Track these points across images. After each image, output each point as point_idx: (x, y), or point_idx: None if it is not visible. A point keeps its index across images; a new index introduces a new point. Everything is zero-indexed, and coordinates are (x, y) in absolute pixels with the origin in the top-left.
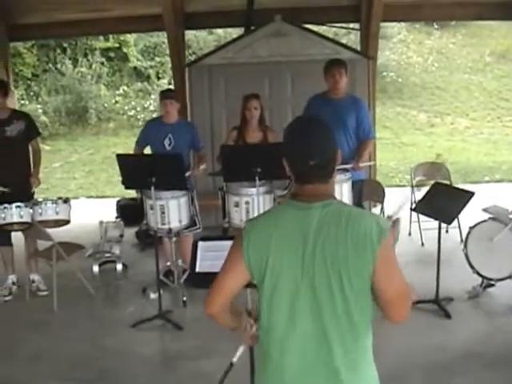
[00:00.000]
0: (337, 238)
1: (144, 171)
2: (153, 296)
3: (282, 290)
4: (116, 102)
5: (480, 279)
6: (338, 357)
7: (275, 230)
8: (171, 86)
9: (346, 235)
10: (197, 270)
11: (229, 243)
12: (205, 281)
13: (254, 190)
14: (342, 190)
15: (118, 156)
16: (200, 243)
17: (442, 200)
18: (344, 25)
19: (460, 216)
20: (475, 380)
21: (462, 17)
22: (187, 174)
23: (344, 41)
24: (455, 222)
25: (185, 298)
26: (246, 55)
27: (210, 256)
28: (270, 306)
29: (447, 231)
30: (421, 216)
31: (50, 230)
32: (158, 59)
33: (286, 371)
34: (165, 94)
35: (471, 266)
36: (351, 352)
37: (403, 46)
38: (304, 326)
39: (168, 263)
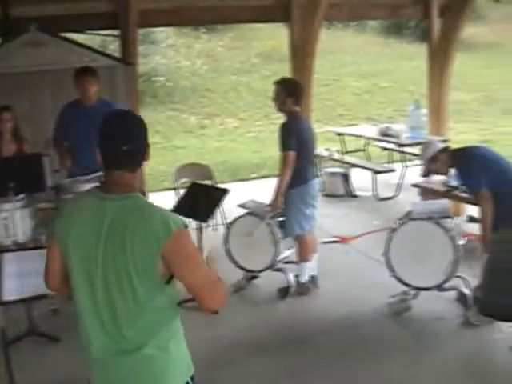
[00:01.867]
0: (126, 232)
1: None
2: None
3: (81, 280)
4: None
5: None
6: (132, 345)
7: (76, 218)
8: None
9: (134, 230)
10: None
11: None
12: None
13: (10, 206)
14: None
15: None
16: None
17: (199, 200)
18: (110, 32)
19: (227, 213)
20: (243, 368)
21: (219, 20)
22: None
23: (112, 47)
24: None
25: None
26: (3, 66)
27: None
28: (76, 290)
29: (216, 229)
30: None
31: None
32: None
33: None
34: None
35: (233, 261)
36: (147, 344)
37: (172, 50)
38: (102, 317)
39: None
